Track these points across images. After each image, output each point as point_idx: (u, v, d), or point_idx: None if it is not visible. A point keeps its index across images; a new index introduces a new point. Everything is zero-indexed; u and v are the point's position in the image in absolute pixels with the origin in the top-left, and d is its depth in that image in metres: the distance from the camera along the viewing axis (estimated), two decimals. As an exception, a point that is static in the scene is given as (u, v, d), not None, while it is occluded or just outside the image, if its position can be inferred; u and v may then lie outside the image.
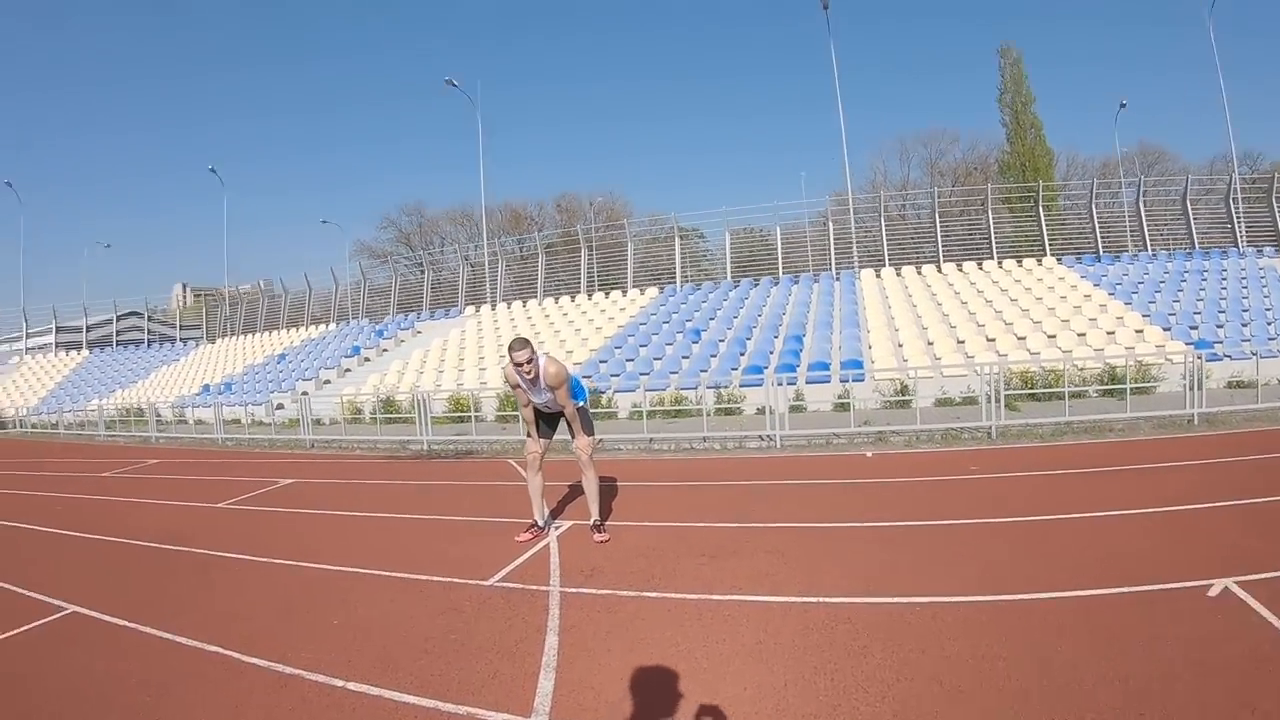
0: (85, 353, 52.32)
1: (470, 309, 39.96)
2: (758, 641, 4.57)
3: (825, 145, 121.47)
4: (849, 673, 4.06)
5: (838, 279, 32.44)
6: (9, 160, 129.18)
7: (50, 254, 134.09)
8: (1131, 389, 14.27)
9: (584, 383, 7.98)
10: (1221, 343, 19.74)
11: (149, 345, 53.01)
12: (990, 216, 34.40)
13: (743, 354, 23.46)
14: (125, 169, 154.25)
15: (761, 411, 15.37)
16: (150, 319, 57.61)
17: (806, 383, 18.28)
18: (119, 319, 57.05)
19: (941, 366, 17.72)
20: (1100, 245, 33.61)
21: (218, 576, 7.08)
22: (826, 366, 19.89)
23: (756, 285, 33.80)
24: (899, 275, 31.55)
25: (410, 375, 28.61)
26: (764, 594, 5.41)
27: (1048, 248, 33.65)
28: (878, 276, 31.82)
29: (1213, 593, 4.84)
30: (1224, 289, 25.57)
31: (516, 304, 38.90)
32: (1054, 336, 21.19)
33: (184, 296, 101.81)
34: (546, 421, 7.58)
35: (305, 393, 27.80)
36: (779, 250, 36.63)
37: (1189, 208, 33.79)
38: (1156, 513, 7.01)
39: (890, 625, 4.67)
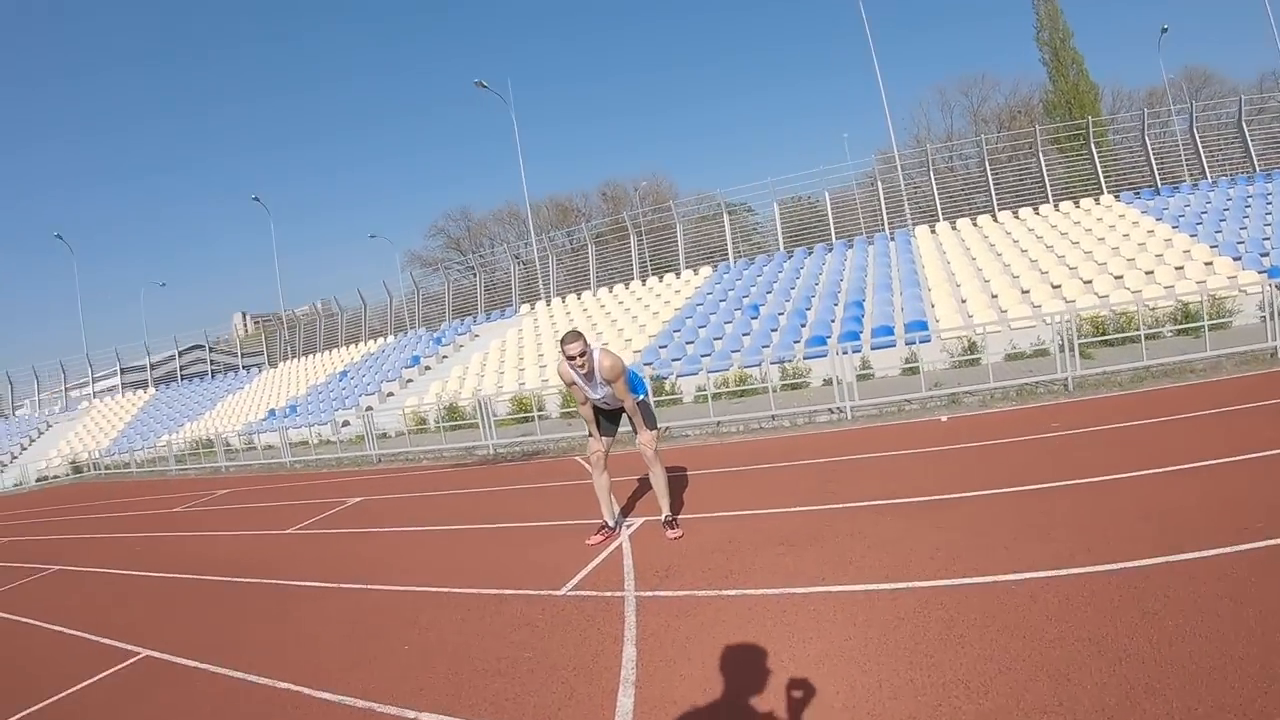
0: (152, 390, 53.10)
1: (525, 307, 39.85)
2: (846, 638, 4.24)
3: (865, 104, 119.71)
4: (947, 667, 3.72)
5: (892, 239, 31.80)
6: (57, 212, 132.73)
7: (107, 298, 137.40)
8: (1209, 326, 13.59)
9: (642, 373, 7.69)
10: (1296, 267, 18.84)
11: (213, 376, 53.68)
12: (1042, 159, 33.42)
13: (804, 325, 22.98)
14: (172, 208, 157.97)
15: (828, 383, 15.00)
16: (212, 350, 58.34)
17: (871, 349, 17.81)
18: (184, 353, 58.01)
19: (1009, 321, 17.11)
20: (1157, 178, 32.48)
21: (287, 607, 6.95)
22: (890, 331, 19.38)
23: (810, 253, 33.24)
24: (954, 229, 30.73)
25: (471, 380, 28.57)
26: (848, 583, 5.07)
27: (1103, 185, 32.57)
28: (933, 232, 31.03)
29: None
30: (1291, 210, 24.47)
31: (571, 297, 38.73)
32: (1120, 277, 20.38)
33: (245, 324, 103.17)
34: (607, 418, 7.29)
35: (370, 408, 27.97)
36: (830, 216, 35.98)
37: (1245, 130, 32.46)
38: (1262, 458, 6.51)
39: (986, 609, 4.31)
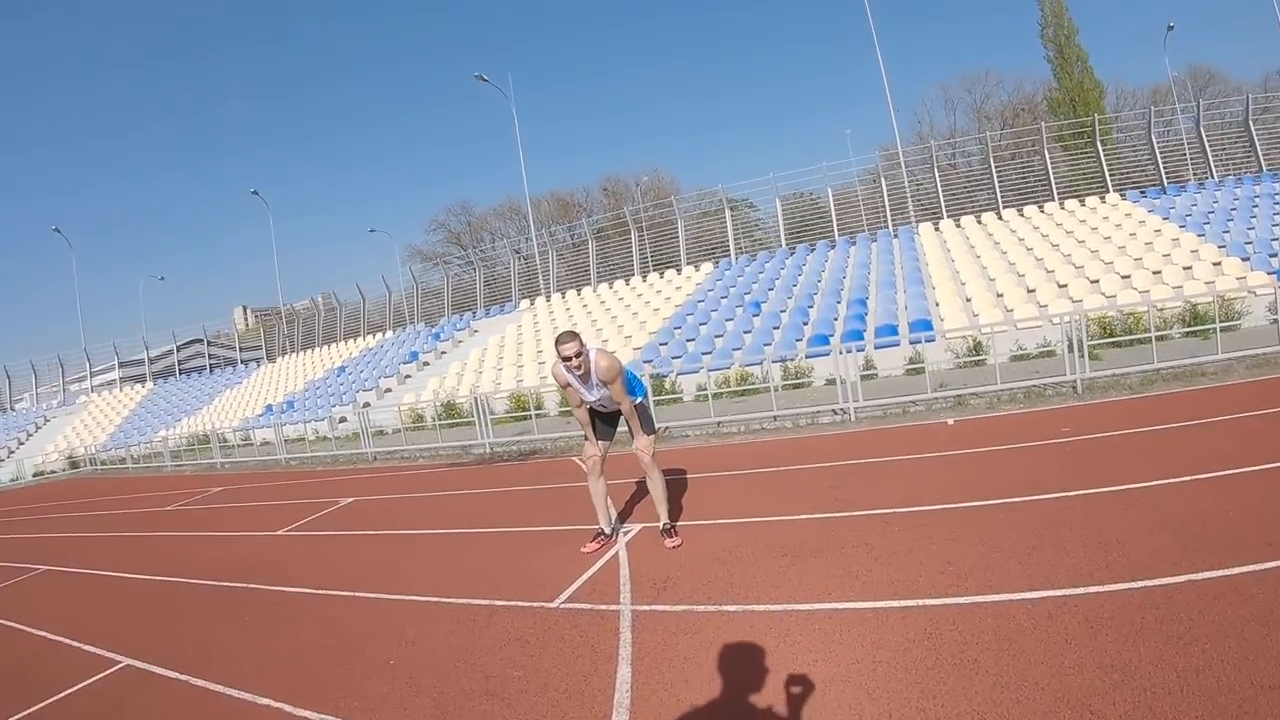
0: (150, 385, 52.91)
1: (525, 303, 39.60)
2: (853, 661, 3.99)
3: (868, 101, 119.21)
4: (961, 696, 3.47)
5: (895, 236, 31.50)
6: (55, 206, 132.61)
7: (106, 293, 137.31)
8: (1221, 328, 13.30)
9: (642, 373, 7.42)
10: (1306, 268, 18.56)
11: (211, 371, 53.48)
12: (1047, 156, 33.14)
13: (806, 323, 22.72)
14: (171, 203, 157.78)
15: (831, 382, 14.79)
16: (211, 344, 58.11)
17: (875, 348, 17.54)
18: (182, 347, 57.72)
19: (1016, 320, 16.83)
20: (1164, 176, 32.17)
21: (273, 615, 6.74)
22: (895, 330, 19.13)
23: (813, 250, 32.91)
24: (958, 226, 30.44)
25: (469, 376, 28.35)
26: (855, 599, 4.82)
27: (1109, 183, 32.29)
28: (937, 230, 30.73)
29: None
30: (1299, 211, 24.15)
31: (571, 293, 38.44)
32: (1128, 277, 20.10)
33: (245, 318, 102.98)
34: (604, 421, 7.03)
35: (367, 404, 27.76)
36: (833, 212, 35.73)
37: (1252, 129, 32.13)
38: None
39: (1001, 630, 4.06)
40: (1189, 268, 19.86)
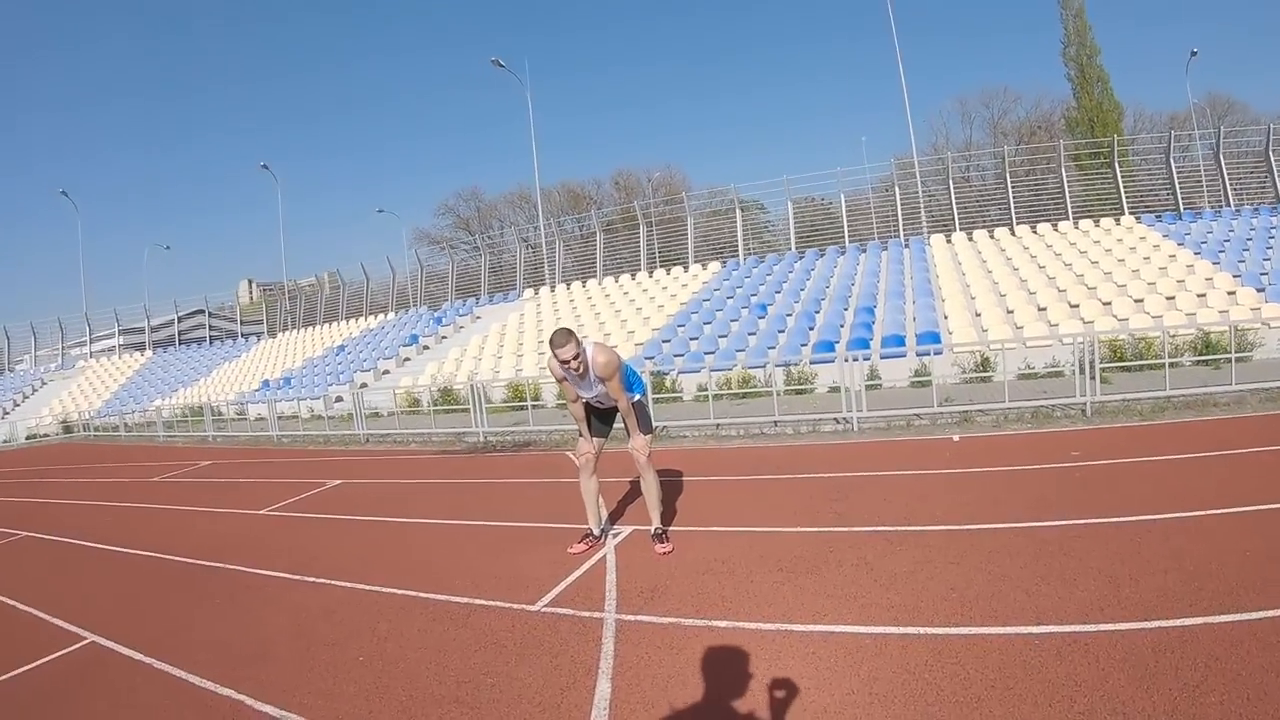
0: (149, 353, 52.80)
1: (529, 291, 39.39)
2: (849, 691, 3.73)
3: (885, 109, 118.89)
4: (963, 739, 3.22)
5: (906, 246, 31.24)
6: (64, 170, 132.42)
7: (110, 259, 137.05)
8: (1235, 358, 13.00)
9: (642, 369, 7.14)
10: (1321, 303, 18.28)
11: (211, 343, 53.38)
12: (1064, 175, 32.87)
13: (811, 328, 22.45)
14: (181, 174, 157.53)
15: (834, 390, 14.54)
16: (213, 316, 57.97)
17: (881, 358, 17.22)
18: (184, 318, 57.67)
19: (1025, 338, 16.55)
20: (1180, 202, 31.90)
21: (247, 599, 6.51)
22: (901, 340, 18.88)
23: (822, 255, 32.69)
24: (970, 240, 30.19)
25: (468, 362, 28.15)
26: (853, 623, 4.54)
27: (1124, 205, 32.03)
28: (948, 242, 30.46)
29: None
30: (1318, 246, 23.84)
31: (576, 284, 38.22)
32: (1141, 301, 19.83)
33: (250, 292, 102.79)
34: (599, 418, 6.77)
35: (364, 385, 27.54)
36: (844, 218, 35.47)
37: (1272, 159, 31.83)
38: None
39: (1006, 666, 3.80)
40: (1203, 295, 19.57)
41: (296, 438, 21.52)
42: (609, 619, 5.01)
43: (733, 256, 36.45)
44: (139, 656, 5.33)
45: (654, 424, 7.01)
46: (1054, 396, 12.49)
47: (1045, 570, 5.07)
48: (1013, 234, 30.07)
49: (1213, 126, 38.78)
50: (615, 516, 7.75)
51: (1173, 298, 19.72)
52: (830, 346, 19.35)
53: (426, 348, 34.03)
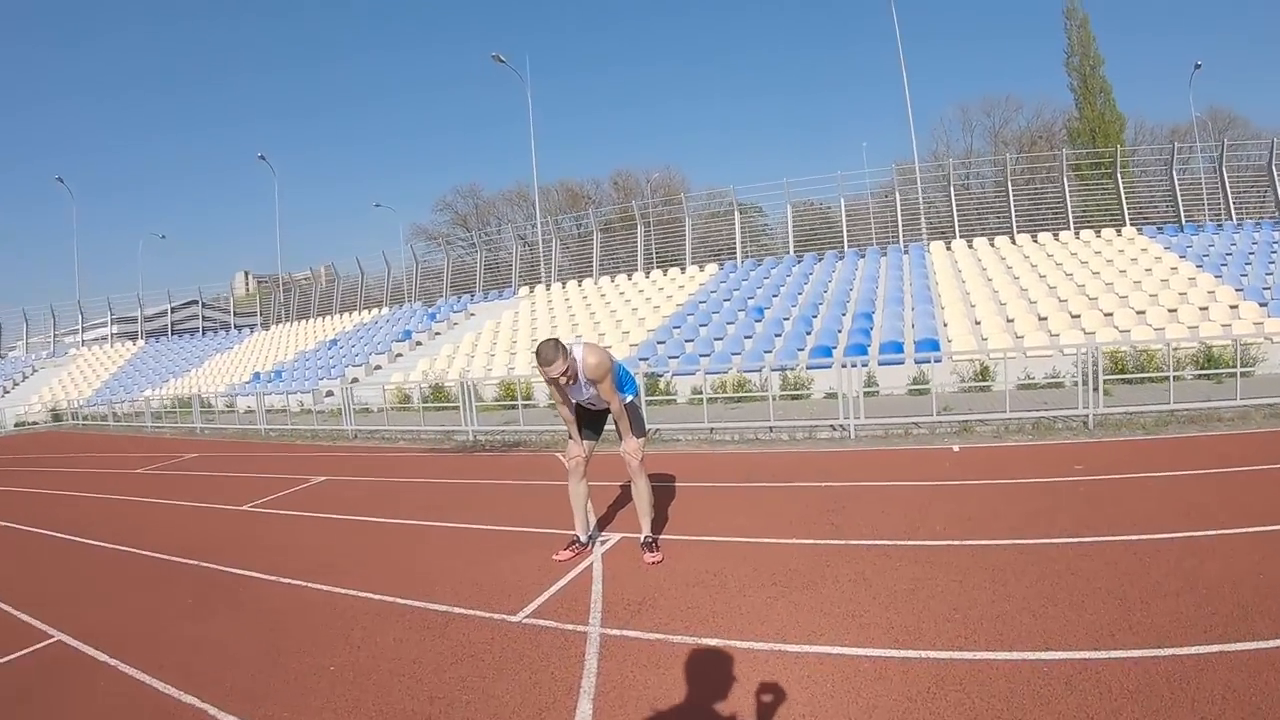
0: (141, 343, 52.47)
1: (524, 289, 39.11)
2: (846, 718, 3.49)
3: (886, 116, 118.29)
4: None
5: (906, 252, 31.05)
6: (61, 157, 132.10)
7: (105, 247, 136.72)
8: (1240, 373, 12.76)
9: (636, 370, 6.89)
10: (1324, 319, 18.13)
11: (204, 334, 53.07)
12: (1066, 184, 32.71)
13: (809, 333, 22.21)
14: (180, 165, 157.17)
15: (830, 395, 14.31)
16: (207, 306, 57.72)
17: (879, 364, 17.01)
18: (178, 308, 57.47)
19: (1026, 348, 16.34)
20: (1182, 214, 31.76)
21: (219, 600, 6.26)
22: (900, 347, 18.65)
23: (821, 260, 32.43)
24: (970, 247, 29.97)
25: (461, 360, 27.86)
26: (851, 644, 4.30)
27: (1126, 217, 31.89)
28: (948, 249, 30.26)
29: None
30: (1321, 261, 23.72)
31: (571, 283, 38.00)
32: (1143, 313, 19.63)
33: (247, 284, 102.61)
34: (590, 420, 6.52)
35: (355, 379, 27.31)
36: (844, 223, 35.28)
37: (1275, 173, 31.69)
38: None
39: (1014, 696, 3.57)
40: (1205, 308, 19.41)
41: (285, 432, 21.23)
42: (593, 633, 4.77)
43: (730, 259, 36.26)
44: (103, 657, 5.12)
45: (647, 427, 6.76)
46: (1055, 408, 12.26)
47: (1052, 591, 4.85)
48: (1013, 243, 29.87)
49: (1213, 140, 38.71)
50: (604, 523, 7.50)
51: (1175, 310, 19.53)
52: (827, 352, 19.14)
53: (419, 344, 33.76)
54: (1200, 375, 14.57)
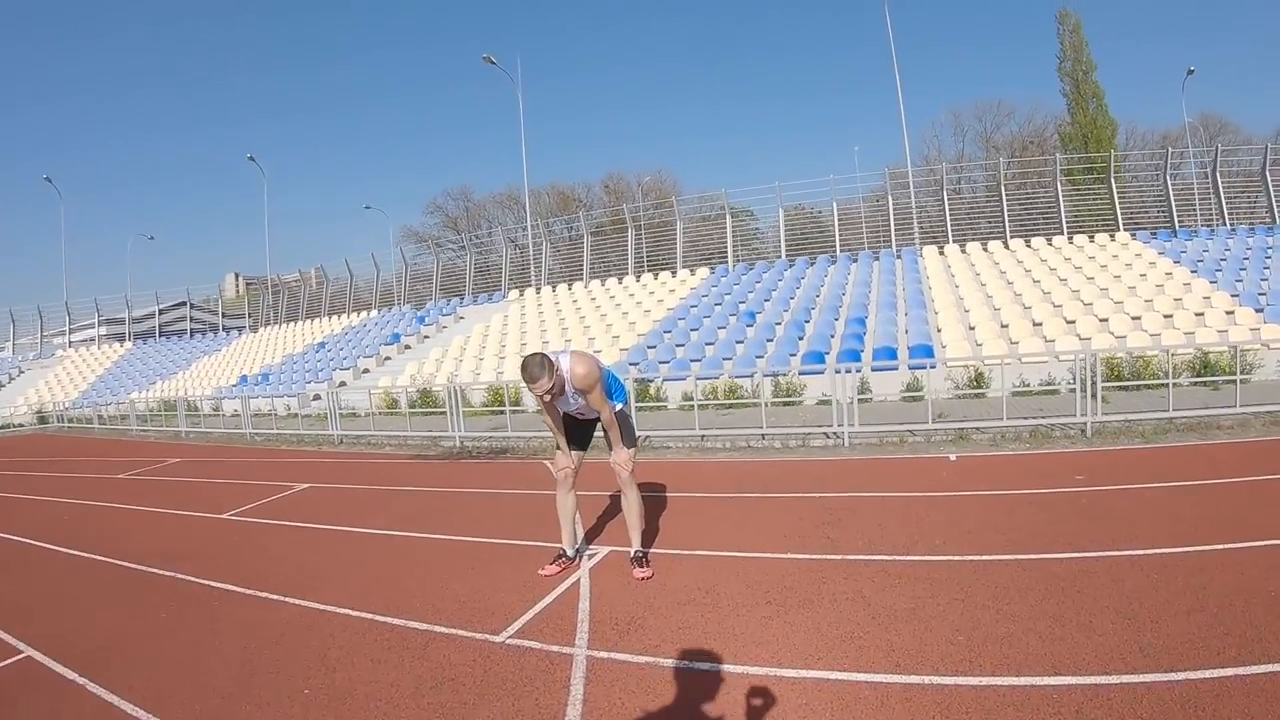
0: (129, 344, 52.19)
1: (514, 293, 38.89)
2: (848, 753, 3.29)
3: (877, 121, 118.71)
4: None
5: (899, 256, 30.90)
6: (49, 156, 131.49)
7: (94, 248, 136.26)
8: (1233, 380, 12.58)
9: (626, 375, 6.65)
10: (1320, 324, 18.03)
11: (192, 336, 52.77)
12: (1060, 189, 32.62)
13: (801, 338, 21.98)
14: (169, 167, 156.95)
15: (823, 401, 14.12)
16: (195, 308, 57.43)
17: (872, 370, 16.77)
18: (168, 309, 57.18)
19: (1022, 355, 16.14)
20: (1176, 219, 31.70)
21: (194, 613, 6.06)
22: (894, 353, 18.45)
23: (813, 264, 32.30)
24: (964, 252, 29.87)
25: (449, 363, 27.60)
26: (850, 668, 4.10)
27: (1119, 222, 31.81)
28: (941, 254, 30.15)
29: None
30: (1315, 266, 23.65)
31: (562, 287, 37.76)
32: (1138, 318, 19.51)
33: (237, 285, 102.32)
34: (579, 429, 6.30)
35: (343, 383, 27.04)
36: (836, 227, 35.15)
37: (1269, 179, 31.66)
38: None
39: (1026, 727, 3.36)
40: (1201, 314, 19.29)
41: (270, 436, 21.00)
42: (579, 655, 4.55)
43: (722, 263, 36.05)
44: (72, 675, 4.94)
45: (637, 432, 6.55)
46: (1053, 415, 12.08)
47: (1058, 610, 4.66)
48: (1007, 247, 29.78)
49: (1205, 145, 38.74)
50: (592, 535, 7.28)
51: (1170, 316, 19.42)
52: (820, 358, 18.96)
53: (408, 347, 33.51)
54: (1196, 382, 14.42)
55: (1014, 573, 5.41)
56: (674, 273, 35.51)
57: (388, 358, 32.34)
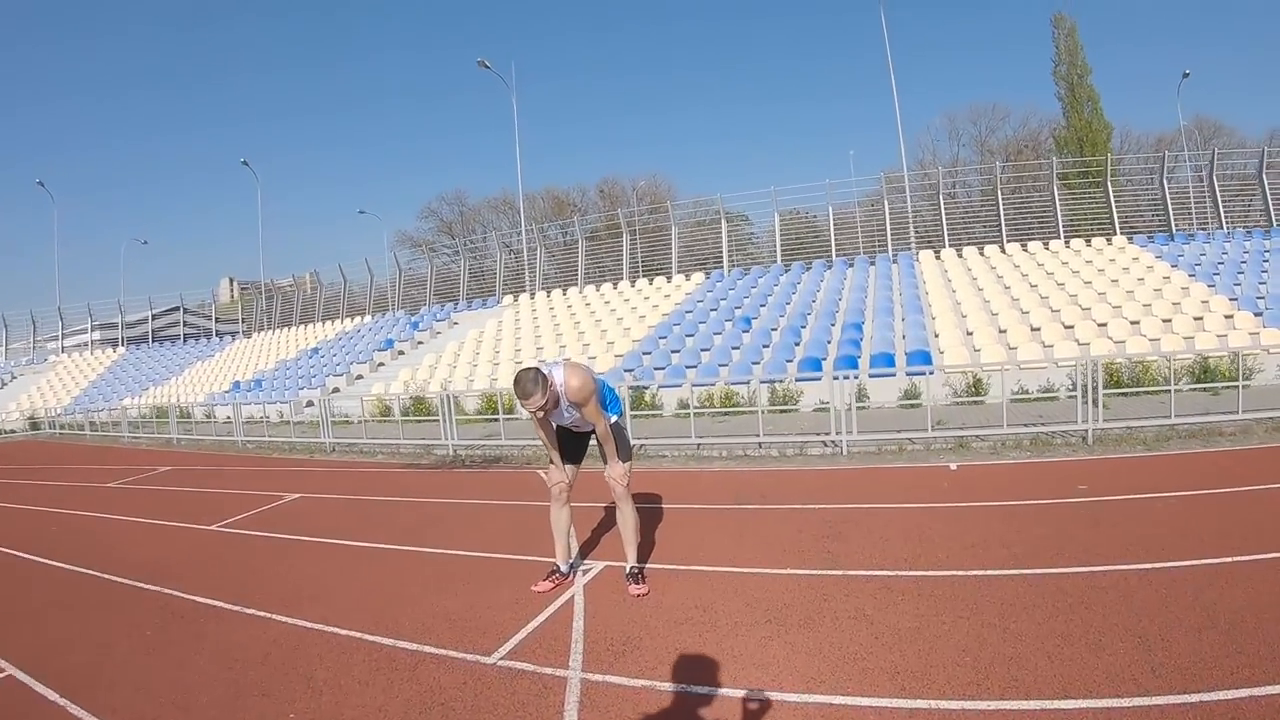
0: (122, 350, 52.08)
1: (508, 298, 38.82)
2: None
3: (873, 123, 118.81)
4: None
5: (895, 261, 30.85)
6: (42, 159, 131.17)
7: (87, 252, 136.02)
8: (1232, 384, 12.53)
9: (621, 383, 6.49)
10: (1320, 328, 18.02)
11: (185, 341, 52.61)
12: (1056, 193, 32.56)
13: (797, 344, 21.84)
14: (163, 170, 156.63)
15: (820, 409, 14.00)
16: (189, 313, 57.22)
17: (870, 377, 16.60)
18: (161, 314, 56.84)
19: (1021, 361, 16.06)
20: (1173, 223, 31.67)
21: (177, 631, 5.89)
22: (891, 360, 18.33)
23: (809, 269, 32.26)
24: (960, 257, 29.85)
25: (443, 370, 27.48)
26: (853, 691, 3.95)
27: (1116, 226, 31.75)
28: (938, 258, 30.14)
29: None
30: (1313, 269, 23.66)
31: (556, 292, 37.73)
32: (1137, 323, 19.44)
33: (232, 290, 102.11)
34: (572, 442, 6.15)
35: (336, 389, 26.91)
36: (832, 231, 35.07)
37: (1265, 182, 31.63)
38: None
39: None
40: (1200, 318, 19.26)
41: (262, 444, 20.83)
42: (573, 678, 4.40)
43: (717, 267, 35.94)
44: (53, 696, 4.78)
45: (632, 441, 6.39)
46: (1053, 423, 11.96)
47: (1067, 628, 4.52)
48: (1003, 251, 29.76)
49: (1200, 149, 38.79)
50: (586, 549, 7.12)
51: (1169, 320, 19.36)
52: (816, 364, 18.85)
53: (402, 353, 33.39)
54: (1197, 387, 14.32)
55: (1020, 588, 5.28)
56: (669, 278, 35.47)
57: (381, 364, 32.24)
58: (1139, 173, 36.51)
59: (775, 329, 23.80)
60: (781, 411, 16.32)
